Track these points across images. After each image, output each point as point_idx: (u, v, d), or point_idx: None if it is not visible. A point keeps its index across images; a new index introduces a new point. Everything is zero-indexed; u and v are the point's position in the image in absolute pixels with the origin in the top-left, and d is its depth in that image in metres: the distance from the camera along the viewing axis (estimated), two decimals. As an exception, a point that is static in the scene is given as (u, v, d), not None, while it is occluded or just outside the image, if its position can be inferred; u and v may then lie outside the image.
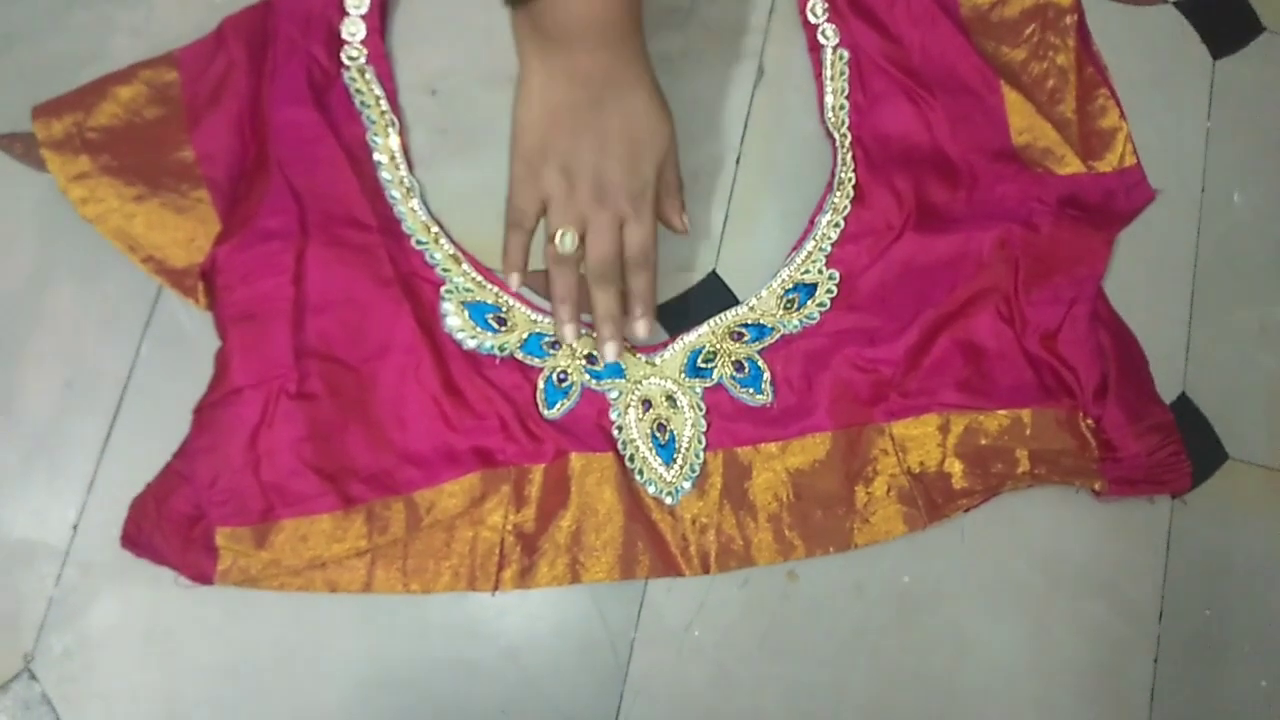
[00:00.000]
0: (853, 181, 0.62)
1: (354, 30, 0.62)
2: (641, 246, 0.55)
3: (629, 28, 0.52)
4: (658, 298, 0.58)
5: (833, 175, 0.63)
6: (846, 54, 0.65)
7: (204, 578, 0.53)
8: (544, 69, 0.53)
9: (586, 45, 0.51)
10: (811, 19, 0.66)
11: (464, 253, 0.60)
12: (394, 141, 0.61)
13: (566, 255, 0.55)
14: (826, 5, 0.66)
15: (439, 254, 0.59)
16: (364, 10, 0.62)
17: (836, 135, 0.64)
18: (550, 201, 0.55)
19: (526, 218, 0.56)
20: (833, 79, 0.65)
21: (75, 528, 0.55)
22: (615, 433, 0.58)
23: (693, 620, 0.58)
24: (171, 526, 0.53)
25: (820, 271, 0.61)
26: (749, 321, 0.60)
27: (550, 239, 0.55)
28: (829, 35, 0.66)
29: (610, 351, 0.56)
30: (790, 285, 0.61)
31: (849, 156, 0.63)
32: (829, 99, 0.65)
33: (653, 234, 0.55)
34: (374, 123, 0.61)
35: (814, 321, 0.60)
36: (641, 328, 0.56)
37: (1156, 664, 0.60)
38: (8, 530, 0.55)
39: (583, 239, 0.55)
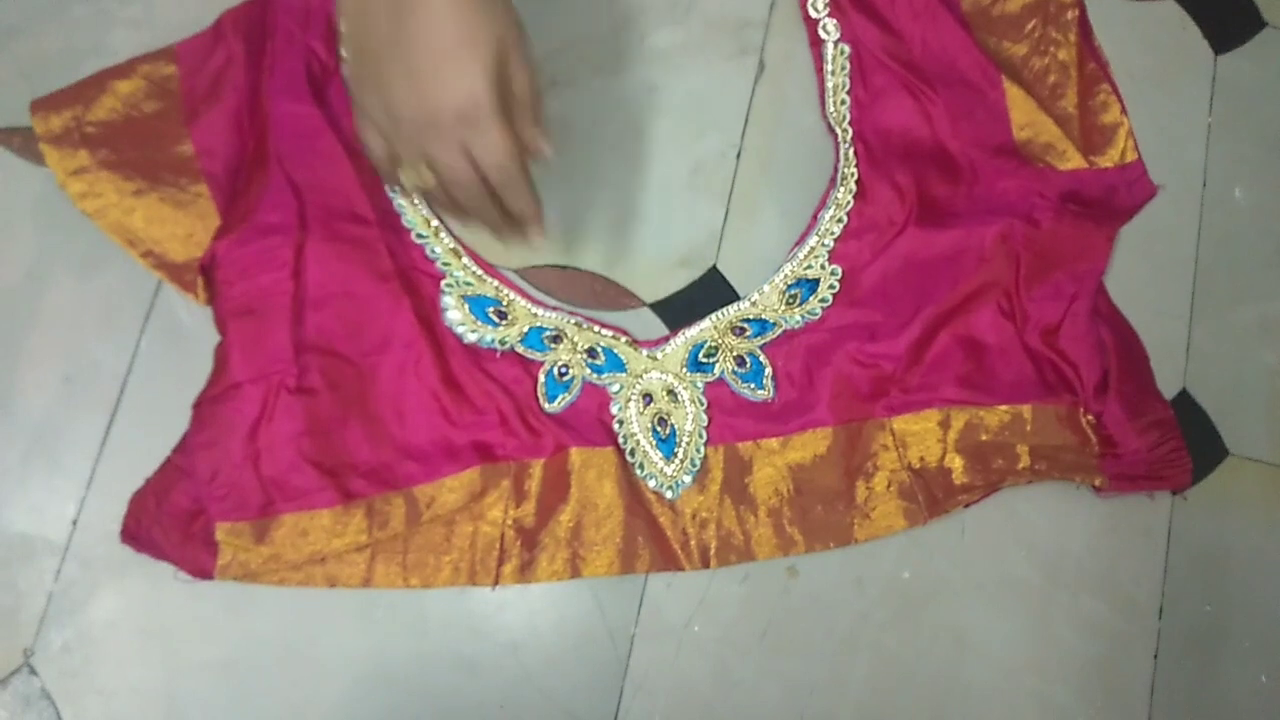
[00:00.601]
0: (855, 177, 0.62)
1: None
2: (493, 164, 0.46)
3: None
4: (542, 206, 0.50)
5: (836, 171, 0.63)
6: (848, 49, 0.65)
7: (203, 573, 0.53)
8: None
9: None
10: (813, 14, 0.66)
11: (464, 246, 0.60)
12: (394, 135, 0.60)
13: (426, 190, 0.49)
14: (827, 1, 0.66)
15: (439, 248, 0.59)
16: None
17: (838, 130, 0.64)
18: (388, 142, 0.48)
19: (384, 165, 0.50)
20: (834, 74, 0.65)
21: (75, 523, 0.55)
22: (616, 427, 0.58)
23: (693, 615, 0.58)
24: (171, 522, 0.53)
25: (823, 267, 0.61)
26: (751, 316, 0.60)
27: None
28: (830, 30, 0.66)
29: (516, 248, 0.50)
30: (792, 280, 0.61)
31: (851, 152, 0.63)
32: (830, 94, 0.65)
33: (501, 146, 0.46)
34: (373, 117, 0.60)
35: (816, 317, 0.60)
36: (535, 235, 0.50)
37: (1156, 659, 0.60)
38: (7, 525, 0.55)
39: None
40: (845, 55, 0.65)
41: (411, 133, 0.46)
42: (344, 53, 0.49)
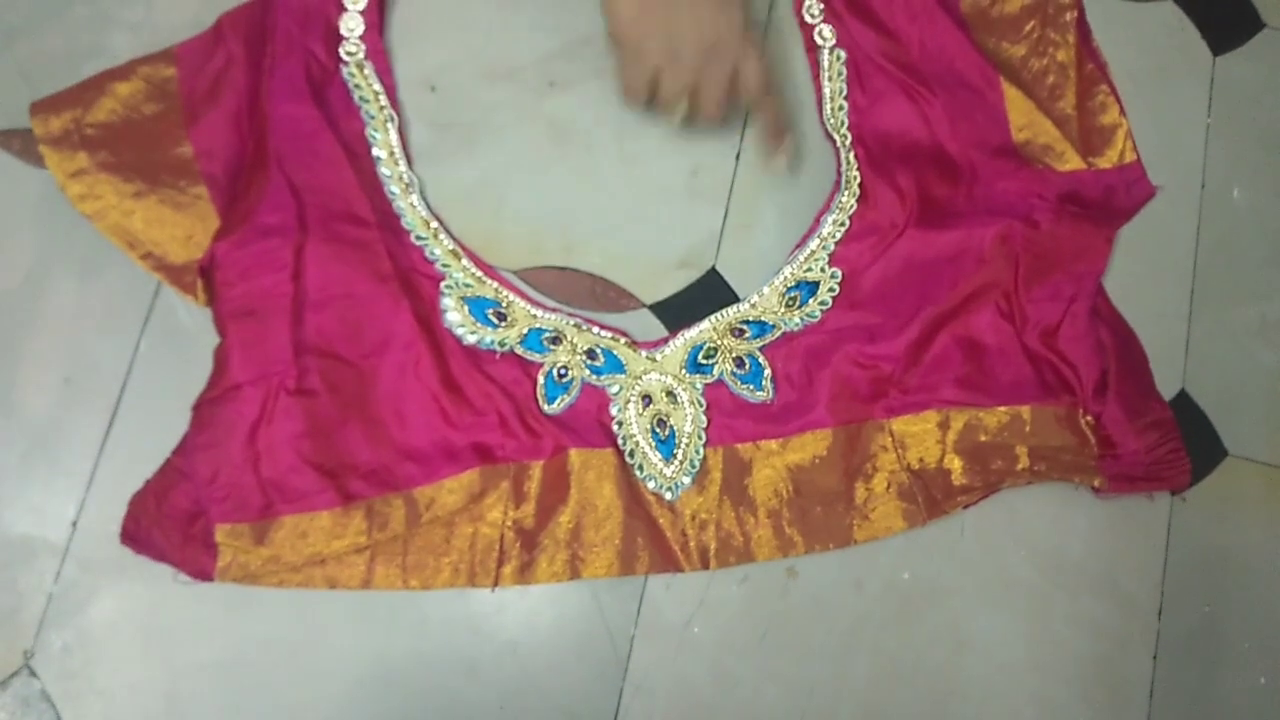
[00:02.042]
0: (859, 181, 0.62)
1: (352, 26, 0.61)
2: (759, 82, 0.58)
3: None
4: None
5: (839, 175, 0.63)
6: (843, 54, 0.65)
7: (203, 574, 0.53)
8: None
9: None
10: (808, 19, 0.66)
11: (463, 248, 0.60)
12: (393, 137, 0.61)
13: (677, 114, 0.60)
14: (822, 6, 0.66)
15: (438, 249, 0.59)
16: (362, 6, 0.62)
17: (836, 136, 0.64)
18: (660, 73, 0.58)
19: (637, 93, 0.59)
20: (830, 80, 0.65)
21: (75, 524, 0.55)
22: (615, 428, 0.58)
23: (692, 616, 0.58)
24: (171, 523, 0.53)
25: (823, 270, 0.61)
26: (750, 318, 0.60)
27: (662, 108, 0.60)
28: (826, 36, 0.66)
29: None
30: (792, 283, 0.61)
31: (851, 156, 0.63)
32: (827, 100, 0.65)
33: (764, 65, 0.58)
34: (373, 118, 0.61)
35: (815, 319, 0.60)
36: (784, 154, 0.62)
37: (1156, 660, 0.60)
38: (7, 527, 0.55)
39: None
40: (841, 61, 0.65)
41: (694, 59, 0.56)
42: (611, 14, 0.57)
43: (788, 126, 0.62)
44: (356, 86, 0.61)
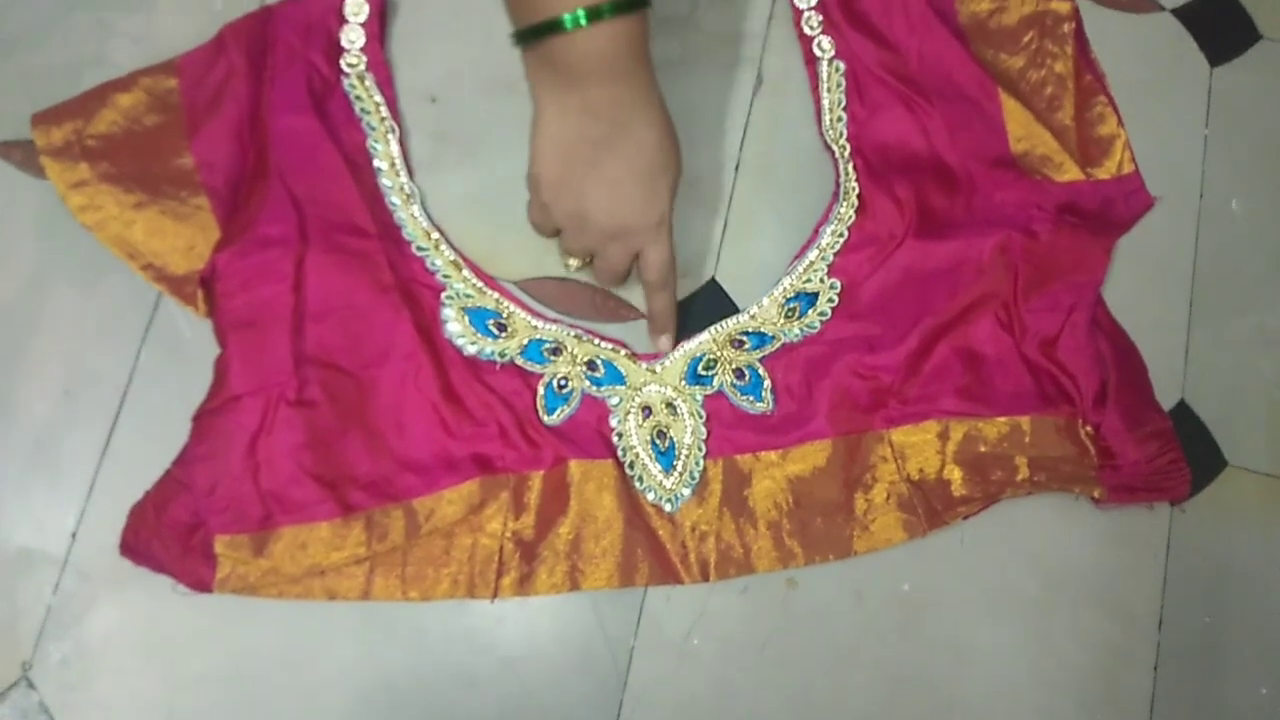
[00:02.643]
0: (857, 192, 0.62)
1: (353, 38, 0.62)
2: (659, 270, 0.57)
3: (638, 60, 0.52)
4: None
5: (838, 186, 0.63)
6: (842, 65, 0.66)
7: (202, 586, 0.53)
8: (557, 104, 0.53)
9: (598, 79, 0.51)
10: (807, 31, 0.66)
11: (464, 259, 0.60)
12: (394, 148, 0.61)
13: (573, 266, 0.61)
14: (821, 18, 0.66)
15: (439, 260, 0.59)
16: (363, 18, 0.62)
17: (835, 148, 0.64)
18: (564, 233, 0.58)
19: (543, 232, 0.60)
20: (829, 91, 0.65)
21: (74, 535, 0.55)
22: (615, 439, 0.58)
23: (692, 628, 0.58)
24: (170, 534, 0.53)
25: (822, 281, 0.61)
26: (750, 329, 0.60)
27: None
28: (825, 48, 0.66)
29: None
30: (792, 294, 0.61)
31: (850, 167, 0.63)
32: (826, 112, 0.65)
33: (670, 256, 0.57)
34: (374, 129, 0.61)
35: (815, 330, 0.60)
36: (664, 344, 0.60)
37: (1156, 671, 0.60)
38: (6, 538, 0.55)
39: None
40: (840, 72, 0.65)
41: (598, 236, 0.56)
42: (532, 161, 0.55)
43: (674, 324, 0.60)
44: (358, 98, 0.61)
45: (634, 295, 0.62)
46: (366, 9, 0.62)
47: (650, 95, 0.54)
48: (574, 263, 0.60)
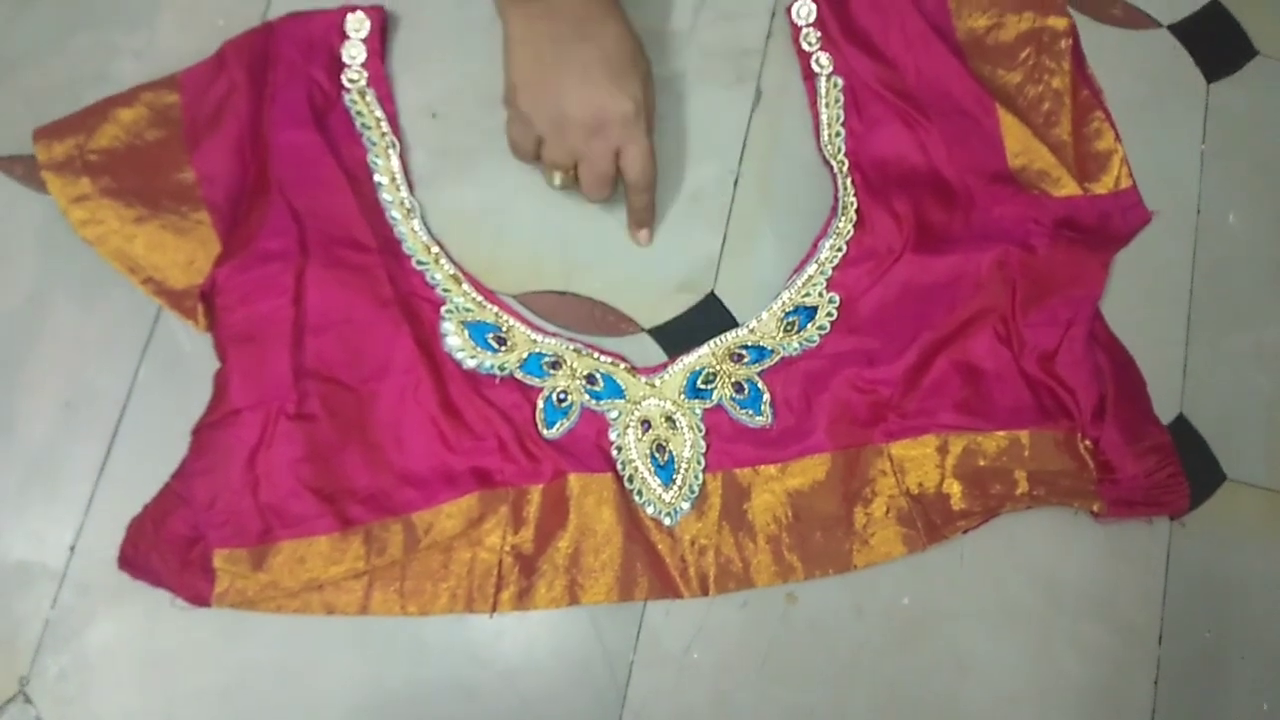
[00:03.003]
0: (855, 206, 0.63)
1: (354, 54, 0.62)
2: (641, 169, 0.58)
3: None
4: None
5: (836, 200, 0.64)
6: (841, 81, 0.66)
7: (201, 600, 0.53)
8: (522, 14, 0.56)
9: None
10: (806, 47, 0.67)
11: (464, 273, 0.60)
12: (395, 163, 0.61)
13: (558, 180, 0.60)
14: (820, 34, 0.67)
15: (439, 274, 0.59)
16: (364, 34, 0.62)
17: (834, 163, 0.64)
18: (544, 141, 0.58)
19: (524, 153, 0.59)
20: (828, 107, 0.66)
21: (73, 549, 0.55)
22: (614, 453, 0.58)
23: (692, 642, 0.57)
24: (169, 548, 0.53)
25: (821, 295, 0.61)
26: (749, 343, 0.60)
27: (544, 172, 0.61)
28: (823, 63, 0.66)
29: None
30: (790, 308, 0.61)
31: (848, 182, 0.63)
32: (824, 127, 0.65)
33: (650, 154, 0.58)
34: (375, 144, 0.61)
35: (814, 344, 0.60)
36: (643, 238, 0.62)
37: (1157, 686, 0.60)
38: (5, 552, 0.55)
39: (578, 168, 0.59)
40: (839, 88, 0.66)
41: (577, 133, 0.56)
42: (507, 75, 0.57)
43: (652, 220, 0.62)
44: (359, 114, 0.61)
45: (633, 308, 0.62)
46: (368, 25, 0.62)
47: (608, 1, 0.57)
48: (559, 178, 0.60)
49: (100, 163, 0.57)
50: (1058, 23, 0.67)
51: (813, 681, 0.58)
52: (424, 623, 0.56)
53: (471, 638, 0.56)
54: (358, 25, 0.62)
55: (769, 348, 0.60)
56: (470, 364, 0.58)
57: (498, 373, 0.58)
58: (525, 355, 0.59)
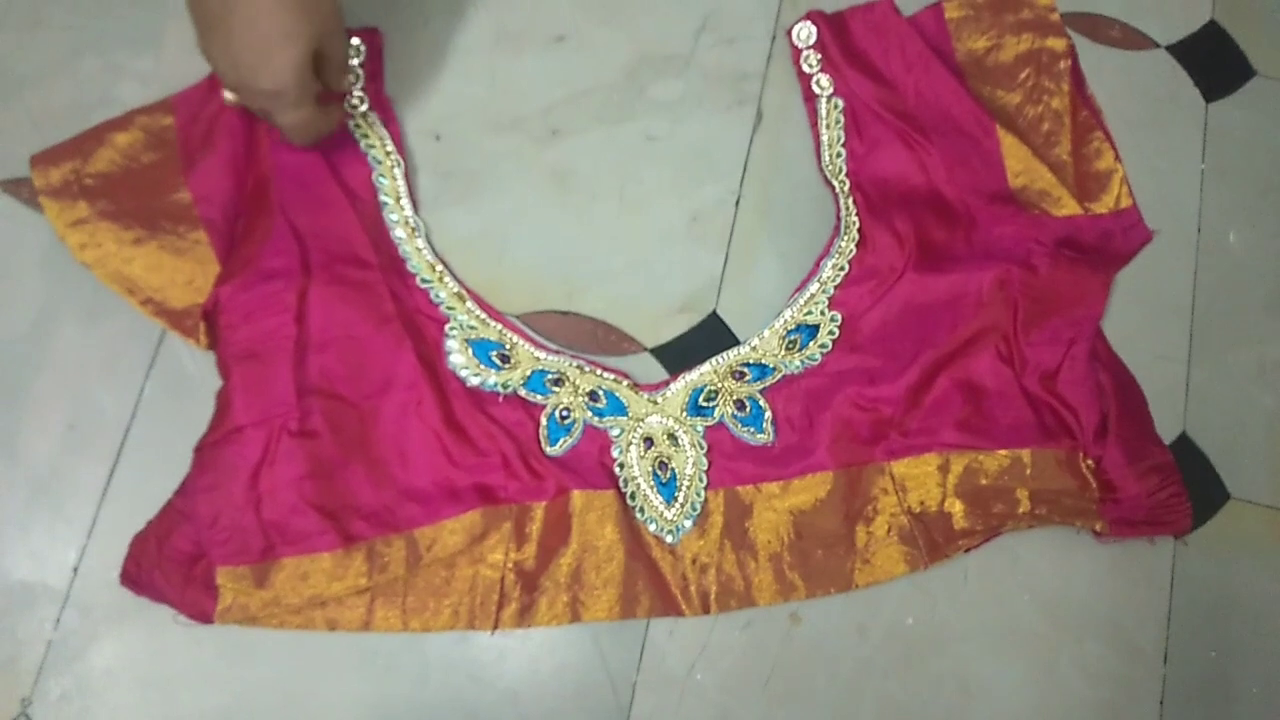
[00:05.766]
0: (857, 225, 0.63)
1: (353, 79, 0.62)
2: (289, 133, 0.54)
3: None
4: None
5: (838, 220, 0.64)
6: (841, 103, 0.66)
7: (204, 616, 0.53)
8: None
9: None
10: (806, 69, 0.67)
11: (468, 291, 0.60)
12: (399, 182, 0.61)
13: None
14: (820, 56, 0.67)
15: (443, 292, 0.60)
16: (361, 59, 0.63)
17: (835, 183, 0.64)
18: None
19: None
20: (829, 128, 0.66)
21: (75, 570, 0.55)
22: (617, 470, 0.58)
23: (695, 663, 0.57)
24: (172, 565, 0.53)
25: (823, 313, 0.61)
26: (751, 361, 0.60)
27: None
28: (824, 85, 0.67)
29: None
30: (792, 326, 0.61)
31: (850, 202, 0.64)
32: (825, 147, 0.66)
33: (295, 124, 0.53)
34: (380, 163, 0.61)
35: (815, 362, 0.60)
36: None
37: (1162, 706, 0.60)
38: (8, 572, 0.55)
39: None
40: (839, 109, 0.66)
41: (247, 97, 0.52)
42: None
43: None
44: (364, 135, 0.62)
45: (636, 328, 0.62)
46: (364, 50, 0.63)
47: None
48: (230, 95, 0.57)
49: (97, 186, 0.58)
50: (1056, 44, 0.68)
51: (816, 702, 0.57)
52: (427, 643, 0.56)
53: (474, 658, 0.56)
54: (355, 51, 0.63)
55: (771, 365, 0.60)
56: (474, 381, 0.58)
57: (501, 390, 0.58)
58: (529, 373, 0.59)
